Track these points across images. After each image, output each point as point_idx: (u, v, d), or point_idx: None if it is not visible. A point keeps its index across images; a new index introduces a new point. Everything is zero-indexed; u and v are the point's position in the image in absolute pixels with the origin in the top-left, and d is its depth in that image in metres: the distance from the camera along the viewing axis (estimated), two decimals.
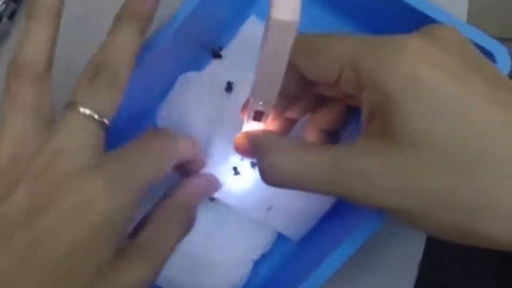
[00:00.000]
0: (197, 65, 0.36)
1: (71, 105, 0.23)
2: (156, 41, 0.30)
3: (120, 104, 0.24)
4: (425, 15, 0.29)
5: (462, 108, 0.20)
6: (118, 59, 0.24)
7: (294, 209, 0.32)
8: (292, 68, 0.24)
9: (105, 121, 0.23)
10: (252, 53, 0.35)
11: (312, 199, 0.32)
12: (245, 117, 0.26)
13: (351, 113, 0.27)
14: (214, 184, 0.31)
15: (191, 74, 0.34)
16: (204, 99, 0.33)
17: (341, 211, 0.32)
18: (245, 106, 0.27)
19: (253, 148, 0.26)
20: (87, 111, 0.23)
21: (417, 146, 0.20)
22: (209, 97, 0.34)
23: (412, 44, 0.21)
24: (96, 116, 0.23)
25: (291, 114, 0.28)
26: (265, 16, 0.19)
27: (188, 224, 0.27)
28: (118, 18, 0.25)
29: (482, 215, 0.20)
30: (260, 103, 0.24)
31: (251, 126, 0.27)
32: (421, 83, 0.20)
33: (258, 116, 0.26)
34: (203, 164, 0.30)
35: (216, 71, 0.35)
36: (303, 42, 0.24)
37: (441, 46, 0.21)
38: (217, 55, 0.36)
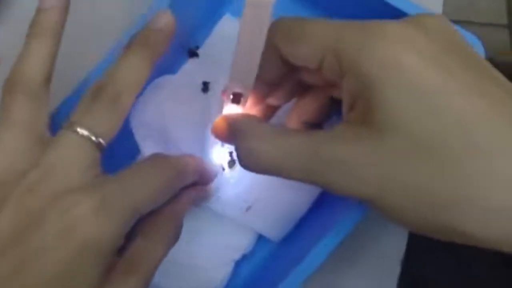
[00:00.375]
0: (172, 65, 0.35)
1: (69, 125, 0.23)
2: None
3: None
4: (399, 10, 0.29)
5: (445, 98, 0.19)
6: (122, 82, 0.24)
7: (274, 209, 0.32)
8: (275, 52, 0.24)
9: (102, 142, 0.23)
10: (227, 52, 0.35)
11: (292, 199, 0.32)
12: (225, 100, 0.26)
13: (334, 105, 0.27)
14: (204, 196, 0.30)
15: (166, 77, 0.34)
16: (180, 100, 0.33)
17: (321, 210, 0.32)
18: (225, 90, 0.26)
19: (232, 132, 0.25)
20: (85, 132, 0.23)
21: (397, 135, 0.19)
22: (184, 98, 0.33)
23: (394, 30, 0.20)
24: (93, 137, 0.23)
25: (272, 100, 0.27)
26: (240, 14, 0.20)
27: (176, 233, 0.26)
28: (130, 45, 0.25)
29: (459, 209, 0.19)
30: (239, 84, 0.24)
31: (230, 109, 0.26)
32: (402, 70, 0.19)
33: (236, 99, 0.25)
34: (211, 179, 0.30)
35: (191, 72, 0.35)
36: (285, 26, 0.23)
37: (425, 33, 0.21)
38: (193, 54, 0.36)
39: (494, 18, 0.73)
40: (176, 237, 0.26)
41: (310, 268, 0.27)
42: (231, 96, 0.25)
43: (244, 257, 0.33)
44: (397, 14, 0.29)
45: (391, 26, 0.21)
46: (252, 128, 0.24)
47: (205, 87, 0.34)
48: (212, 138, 0.31)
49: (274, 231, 0.32)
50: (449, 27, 0.22)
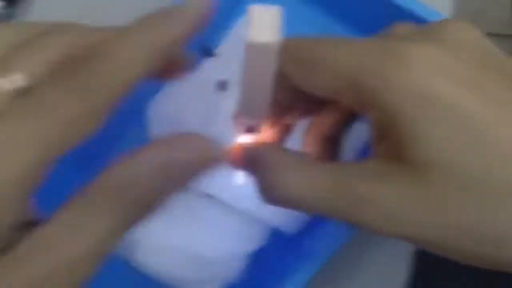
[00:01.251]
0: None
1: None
2: None
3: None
4: (413, 14, 0.30)
5: (486, 129, 0.17)
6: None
7: None
8: (285, 79, 0.22)
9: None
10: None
11: None
12: (237, 129, 0.24)
13: (352, 117, 0.25)
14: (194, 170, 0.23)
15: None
16: (197, 97, 0.34)
17: None
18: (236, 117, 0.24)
19: (251, 163, 0.23)
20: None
21: (434, 172, 0.18)
22: (202, 95, 0.34)
23: (420, 53, 0.18)
24: None
25: (288, 119, 0.25)
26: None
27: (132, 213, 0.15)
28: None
29: (505, 246, 0.18)
30: (249, 118, 0.23)
31: (245, 137, 0.24)
32: (435, 99, 0.18)
33: (251, 129, 0.23)
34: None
35: (209, 70, 0.36)
36: (294, 52, 0.21)
37: (455, 52, 0.18)
38: (210, 53, 0.37)
39: (501, 29, 0.74)
40: (131, 219, 0.15)
41: (316, 265, 0.28)
42: (243, 128, 0.23)
43: (257, 251, 0.34)
44: (414, 19, 0.30)
45: (416, 49, 0.18)
46: (274, 159, 0.21)
47: (222, 85, 0.35)
48: (226, 134, 0.31)
49: (288, 224, 0.33)
50: (479, 38, 0.20)
